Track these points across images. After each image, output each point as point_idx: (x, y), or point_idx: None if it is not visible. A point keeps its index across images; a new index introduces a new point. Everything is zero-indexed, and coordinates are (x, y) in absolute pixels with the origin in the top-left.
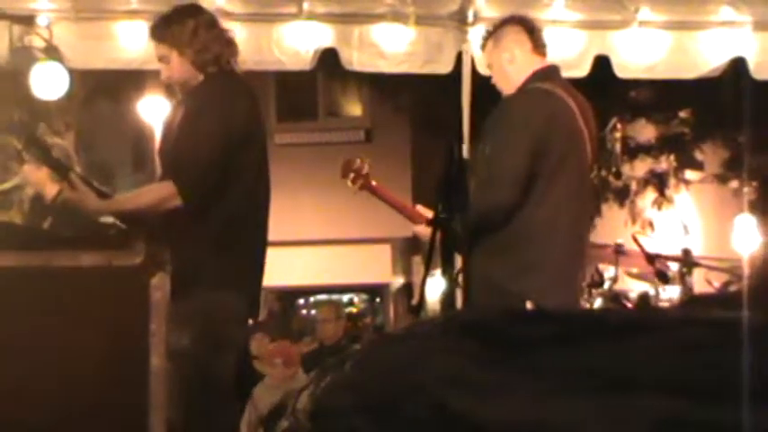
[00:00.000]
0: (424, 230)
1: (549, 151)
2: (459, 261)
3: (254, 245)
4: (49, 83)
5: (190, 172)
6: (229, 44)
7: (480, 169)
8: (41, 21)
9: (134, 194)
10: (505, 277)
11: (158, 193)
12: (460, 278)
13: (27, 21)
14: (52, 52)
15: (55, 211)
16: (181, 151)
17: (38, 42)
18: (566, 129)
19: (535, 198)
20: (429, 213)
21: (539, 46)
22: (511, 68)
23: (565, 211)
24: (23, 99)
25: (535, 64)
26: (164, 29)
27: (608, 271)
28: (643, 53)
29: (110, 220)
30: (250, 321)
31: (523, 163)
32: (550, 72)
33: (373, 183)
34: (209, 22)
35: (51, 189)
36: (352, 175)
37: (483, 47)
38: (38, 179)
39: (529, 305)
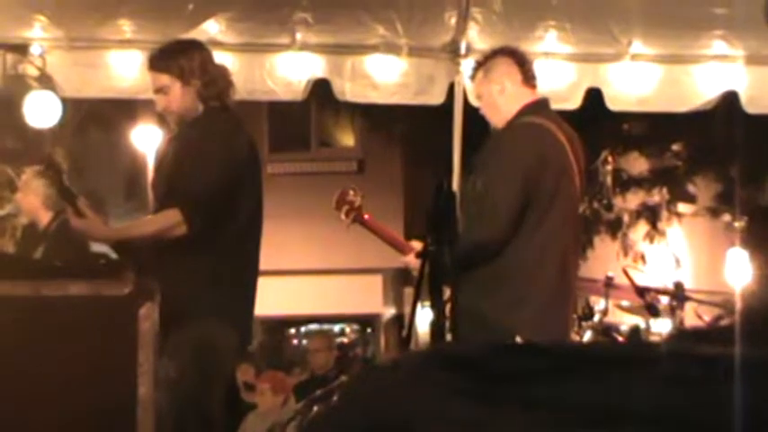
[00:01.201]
0: (413, 261)
1: (540, 186)
2: (447, 293)
3: (247, 275)
4: (42, 111)
5: (197, 200)
6: (230, 80)
7: (470, 203)
8: (35, 49)
9: (140, 222)
10: (495, 311)
11: (165, 221)
12: (448, 310)
13: (20, 49)
14: (45, 81)
15: (47, 240)
16: (187, 180)
17: (31, 71)
18: (556, 163)
19: (526, 232)
20: (420, 247)
21: (529, 78)
22: (501, 100)
23: (554, 244)
24: (16, 127)
25: (525, 96)
26: (168, 59)
27: (598, 304)
28: (635, 86)
29: (101, 249)
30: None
31: (516, 198)
32: (540, 105)
33: (365, 216)
34: (212, 57)
35: (44, 216)
36: (345, 207)
37: (473, 77)
38: (30, 207)
39: (518, 339)
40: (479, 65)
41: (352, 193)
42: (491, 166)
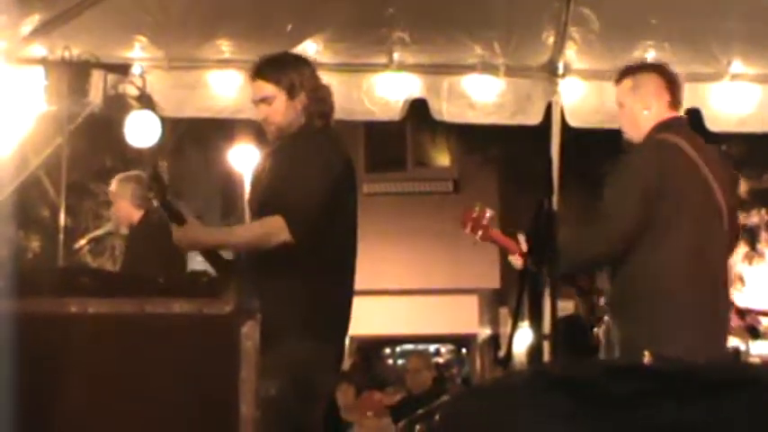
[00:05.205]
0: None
1: (664, 204)
2: (547, 313)
3: (345, 293)
4: (141, 131)
5: (299, 209)
6: (333, 101)
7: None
8: (135, 70)
9: (243, 227)
10: (630, 331)
11: (268, 226)
12: (547, 330)
13: (121, 69)
14: (145, 101)
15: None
16: (288, 191)
17: (131, 91)
18: (683, 178)
19: (656, 250)
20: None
21: (676, 102)
22: (642, 118)
23: (695, 258)
24: (116, 146)
25: (664, 115)
26: (276, 69)
27: None
28: (735, 106)
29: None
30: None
31: (631, 214)
32: (675, 123)
33: (494, 231)
34: (318, 75)
35: (136, 216)
36: (470, 224)
37: (618, 81)
38: (123, 212)
39: (647, 356)
40: (627, 73)
41: (477, 209)
42: (612, 180)
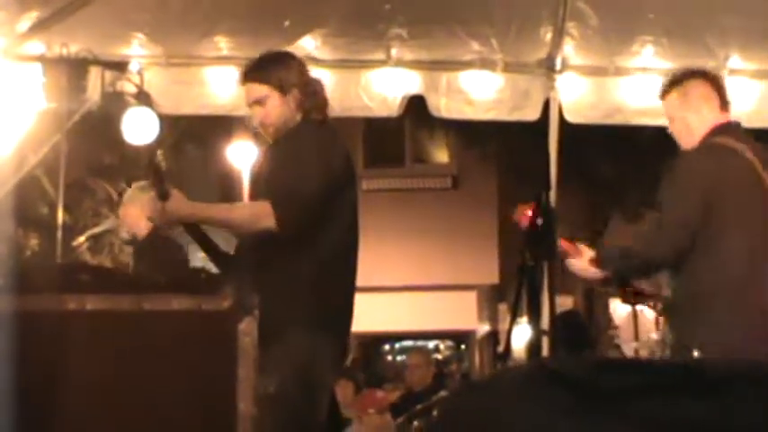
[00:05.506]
0: (579, 265)
1: (720, 208)
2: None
3: (346, 289)
4: (139, 128)
5: (289, 199)
6: (326, 94)
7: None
8: (133, 66)
9: (228, 206)
10: (698, 337)
11: (253, 209)
12: (545, 325)
13: (119, 66)
14: (143, 98)
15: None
16: (281, 182)
17: (129, 88)
18: (740, 181)
19: (710, 253)
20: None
21: (725, 104)
22: (695, 124)
23: (750, 261)
24: (114, 144)
25: (718, 120)
26: (266, 70)
27: None
28: (733, 102)
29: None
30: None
31: (686, 218)
32: (730, 127)
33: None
34: (308, 69)
35: (144, 228)
36: (525, 221)
37: (663, 96)
38: (131, 219)
39: (696, 353)
40: (672, 84)
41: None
42: (669, 183)
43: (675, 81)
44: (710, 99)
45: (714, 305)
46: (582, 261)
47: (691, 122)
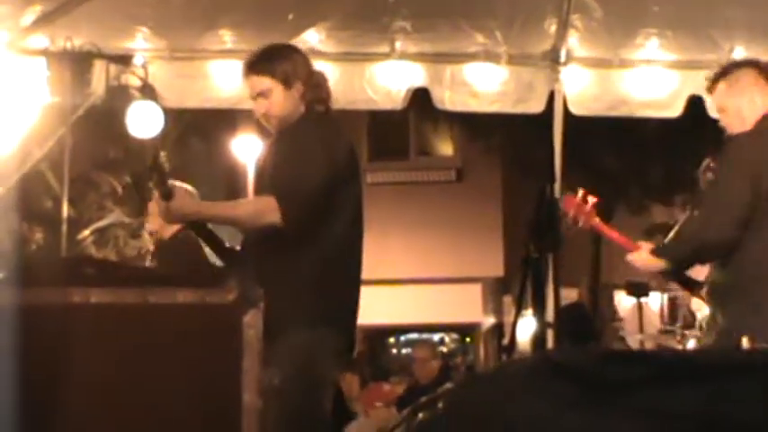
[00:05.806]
0: (638, 259)
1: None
2: (551, 301)
3: (351, 282)
4: (144, 122)
5: (294, 193)
6: (329, 86)
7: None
8: (137, 60)
9: (233, 203)
10: (731, 319)
11: (257, 204)
12: (550, 318)
13: (123, 60)
14: (148, 91)
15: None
16: (286, 176)
17: (134, 81)
18: None
19: (756, 236)
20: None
21: None
22: (747, 112)
23: None
24: (118, 137)
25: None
26: (268, 62)
27: (701, 311)
28: None
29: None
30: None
31: (741, 200)
32: None
33: (596, 220)
34: (311, 62)
35: (169, 229)
36: (572, 211)
37: (711, 89)
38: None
39: (745, 342)
40: (718, 77)
41: (579, 197)
42: (720, 169)
43: (721, 73)
44: (761, 86)
45: (762, 291)
46: (642, 253)
47: (743, 109)
